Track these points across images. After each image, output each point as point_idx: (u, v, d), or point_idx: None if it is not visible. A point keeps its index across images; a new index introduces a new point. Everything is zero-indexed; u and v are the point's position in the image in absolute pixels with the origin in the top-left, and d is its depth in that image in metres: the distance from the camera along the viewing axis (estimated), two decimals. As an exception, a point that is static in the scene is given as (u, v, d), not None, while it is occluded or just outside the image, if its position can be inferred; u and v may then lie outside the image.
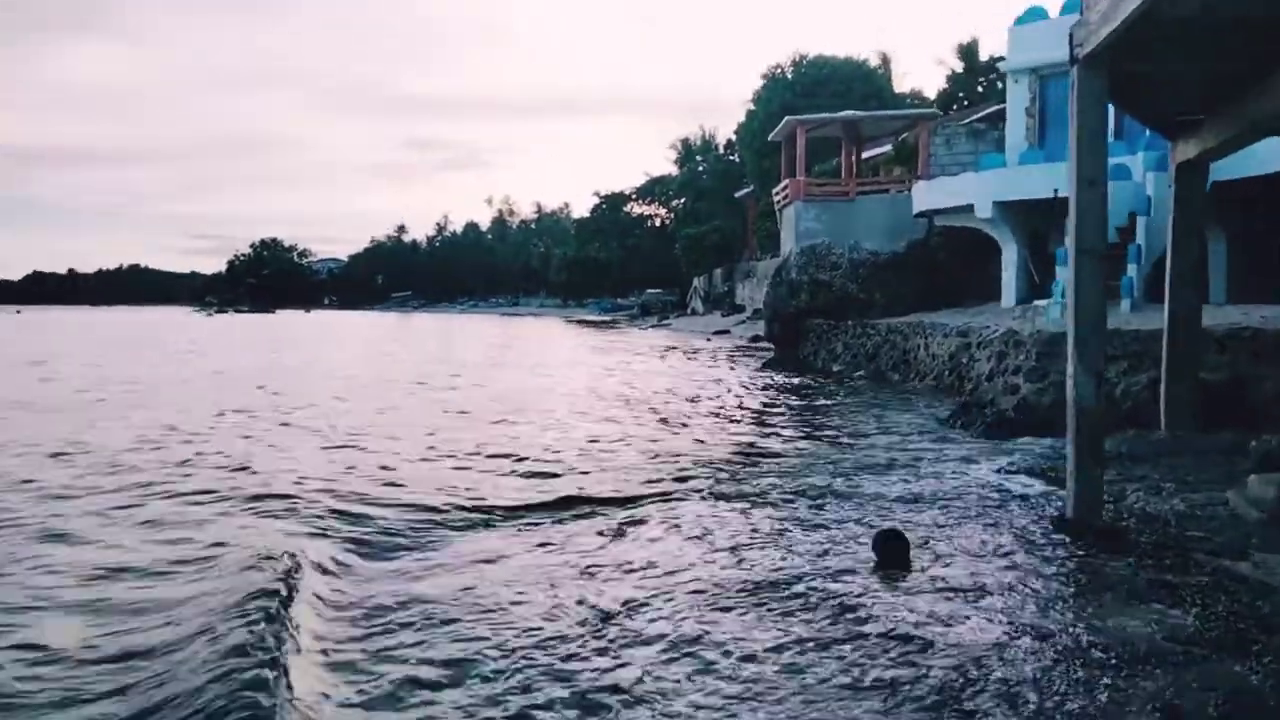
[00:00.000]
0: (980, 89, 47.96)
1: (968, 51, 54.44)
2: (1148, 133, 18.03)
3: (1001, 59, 21.43)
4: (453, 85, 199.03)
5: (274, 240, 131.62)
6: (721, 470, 7.99)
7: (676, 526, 5.93)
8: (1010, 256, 18.74)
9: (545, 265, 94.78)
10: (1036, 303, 12.31)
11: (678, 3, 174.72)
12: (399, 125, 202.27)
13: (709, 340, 32.23)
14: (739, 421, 11.31)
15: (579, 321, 60.06)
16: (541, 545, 5.61)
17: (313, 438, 10.30)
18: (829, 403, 13.03)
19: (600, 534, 5.83)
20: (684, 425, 11.00)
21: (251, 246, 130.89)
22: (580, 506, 6.62)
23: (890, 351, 16.23)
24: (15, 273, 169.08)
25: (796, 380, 16.86)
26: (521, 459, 8.69)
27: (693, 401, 13.57)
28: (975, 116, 26.88)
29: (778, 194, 24.54)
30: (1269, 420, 7.65)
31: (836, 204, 23.52)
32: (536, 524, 6.19)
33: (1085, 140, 5.04)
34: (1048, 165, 17.61)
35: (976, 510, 5.97)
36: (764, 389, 15.86)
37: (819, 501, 6.50)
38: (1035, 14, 18.97)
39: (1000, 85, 46.72)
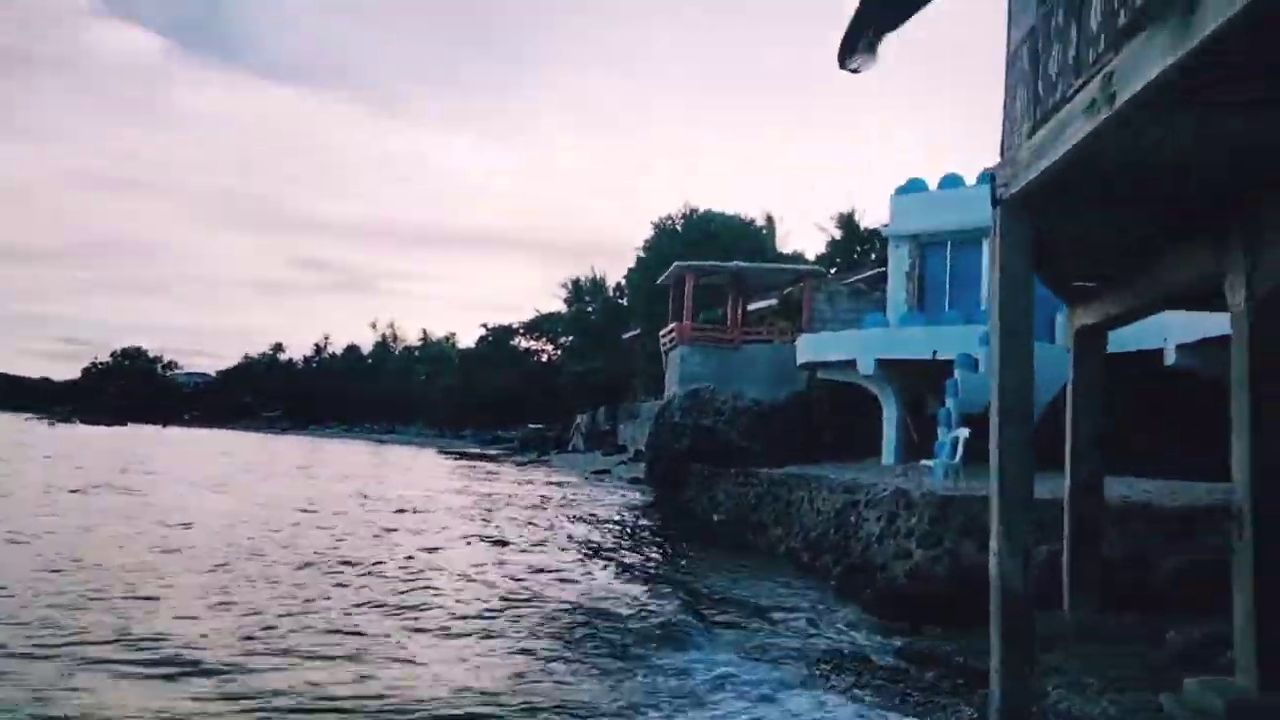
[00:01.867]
0: (856, 255, 50.69)
1: (847, 220, 58.05)
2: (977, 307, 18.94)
3: (880, 228, 22.40)
4: (343, 209, 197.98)
5: (137, 349, 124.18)
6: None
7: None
8: (891, 414, 18.81)
9: (427, 393, 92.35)
10: (922, 462, 12.02)
11: (571, 149, 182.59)
12: (285, 243, 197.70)
13: (587, 479, 31.10)
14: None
15: (455, 454, 57.75)
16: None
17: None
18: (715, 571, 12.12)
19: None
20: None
21: (112, 354, 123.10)
22: None
23: (772, 504, 15.60)
24: None
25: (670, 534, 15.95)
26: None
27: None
28: (857, 277, 27.96)
29: (664, 336, 24.41)
30: (1169, 601, 7.22)
31: (721, 350, 23.50)
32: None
33: (1008, 287, 4.57)
34: (928, 328, 18.03)
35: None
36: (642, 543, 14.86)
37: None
38: (915, 185, 19.93)
39: (874, 255, 49.75)
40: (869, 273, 27.30)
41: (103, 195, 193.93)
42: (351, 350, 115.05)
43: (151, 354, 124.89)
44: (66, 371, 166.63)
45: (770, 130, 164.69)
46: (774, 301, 28.61)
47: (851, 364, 18.83)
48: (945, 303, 19.42)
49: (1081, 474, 6.97)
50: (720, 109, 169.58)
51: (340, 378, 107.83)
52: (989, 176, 17.62)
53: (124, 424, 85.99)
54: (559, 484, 28.15)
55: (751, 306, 28.01)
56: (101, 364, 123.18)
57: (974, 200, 19.30)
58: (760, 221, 59.88)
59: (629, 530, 17.70)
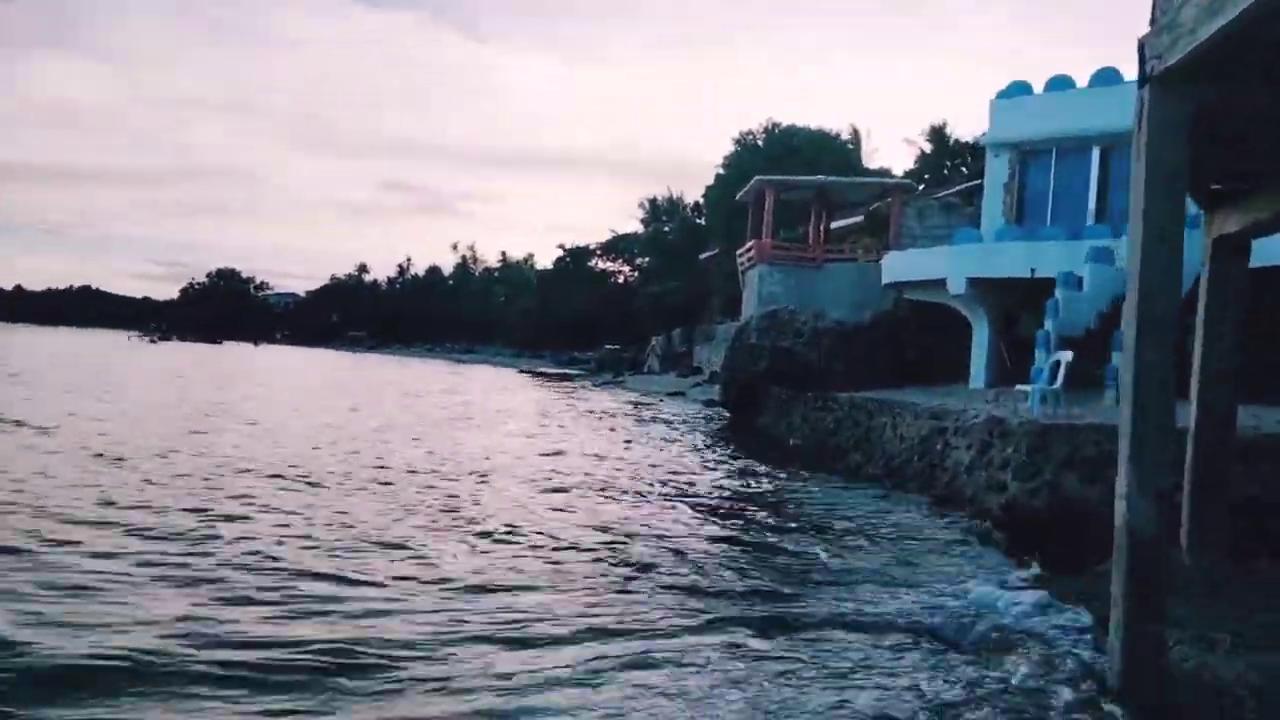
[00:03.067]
0: (946, 170, 48.18)
1: (937, 133, 55.03)
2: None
3: (978, 138, 20.85)
4: (426, 132, 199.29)
5: (231, 270, 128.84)
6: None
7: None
8: (982, 336, 17.78)
9: (505, 314, 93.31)
10: (1017, 387, 11.18)
11: (651, 68, 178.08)
12: (369, 166, 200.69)
13: (662, 401, 30.87)
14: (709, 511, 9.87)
15: (534, 373, 58.39)
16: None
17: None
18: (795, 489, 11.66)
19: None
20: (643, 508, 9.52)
21: (208, 275, 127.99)
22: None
23: (852, 428, 14.98)
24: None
25: (757, 467, 15.52)
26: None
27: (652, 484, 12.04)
28: (949, 191, 26.35)
29: (742, 255, 23.55)
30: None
31: (802, 270, 22.55)
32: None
33: (1157, 180, 3.80)
34: (1026, 244, 16.79)
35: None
36: (719, 464, 14.50)
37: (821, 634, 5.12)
38: (1018, 89, 18.37)
39: (966, 169, 47.08)
40: (962, 186, 25.68)
41: (196, 119, 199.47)
42: (433, 272, 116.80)
43: (244, 274, 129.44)
44: (161, 291, 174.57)
45: (857, 41, 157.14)
46: (859, 218, 27.29)
47: (941, 283, 17.78)
48: (1046, 217, 18.06)
49: (1211, 403, 6.16)
50: (805, 23, 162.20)
51: (422, 298, 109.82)
52: (1106, 74, 15.94)
53: (219, 342, 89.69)
54: (635, 404, 27.98)
55: (835, 224, 26.77)
56: (198, 284, 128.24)
57: (1085, 103, 17.71)
58: (845, 136, 57.39)
59: (707, 448, 17.38)
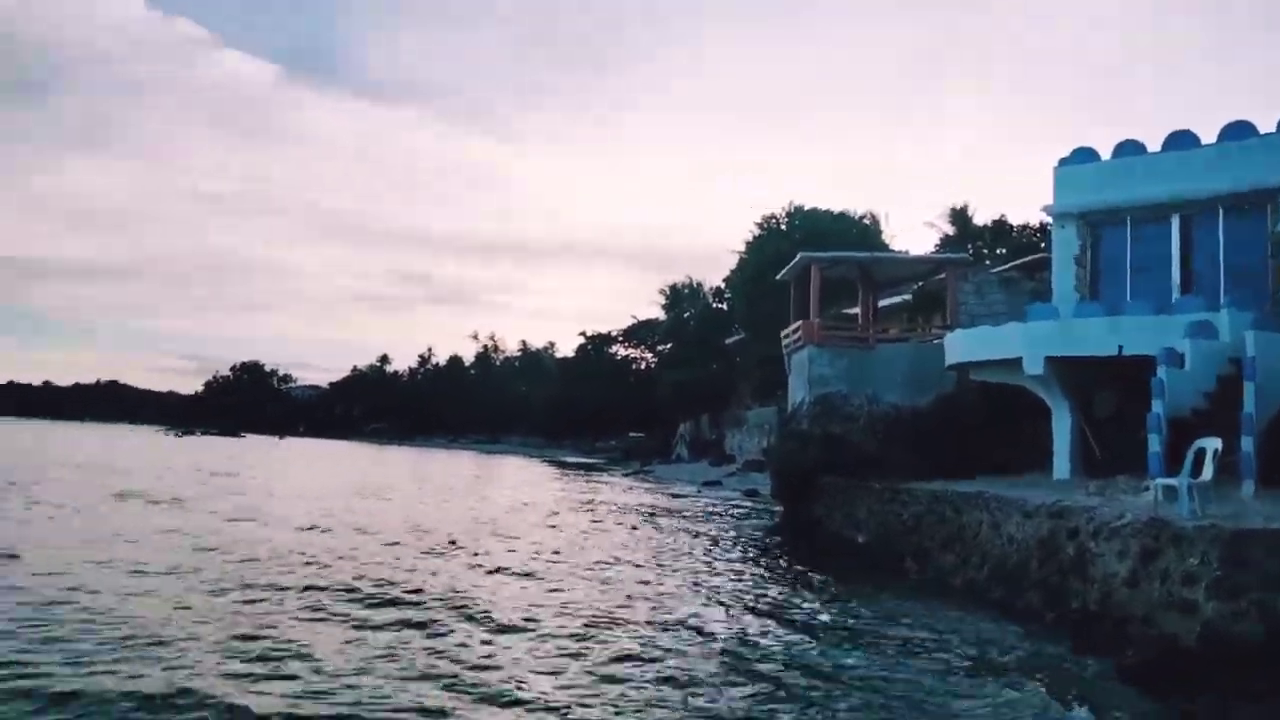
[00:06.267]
0: (969, 252, 47.44)
1: (960, 215, 54.47)
2: (1223, 282, 16.13)
3: (989, 225, 19.79)
4: (444, 224, 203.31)
5: (254, 364, 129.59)
6: None
7: None
8: (1063, 420, 16.25)
9: (527, 403, 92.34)
10: (1157, 481, 9.63)
11: (664, 160, 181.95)
12: (387, 258, 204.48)
13: (699, 493, 29.25)
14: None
15: (558, 463, 56.85)
16: None
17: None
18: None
19: None
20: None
21: (231, 369, 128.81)
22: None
23: (937, 526, 13.40)
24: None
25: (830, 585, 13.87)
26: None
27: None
28: (1006, 266, 25.17)
29: (788, 336, 22.32)
30: None
31: (853, 350, 21.24)
32: None
33: None
34: (1110, 319, 15.41)
35: None
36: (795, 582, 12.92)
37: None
38: (1084, 155, 17.35)
39: (990, 250, 46.12)
40: (1021, 260, 24.51)
41: (217, 215, 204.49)
42: (454, 361, 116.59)
43: (268, 367, 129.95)
44: (189, 385, 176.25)
45: (866, 130, 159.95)
46: (904, 296, 26.16)
47: (1014, 363, 16.35)
48: (1126, 290, 16.75)
49: None
50: (811, 112, 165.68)
51: (444, 388, 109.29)
52: (1182, 137, 14.77)
53: (241, 435, 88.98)
54: (671, 496, 26.39)
55: (881, 302, 25.62)
56: (222, 378, 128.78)
57: (1161, 168, 16.61)
58: (865, 220, 56.86)
59: (758, 549, 15.79)
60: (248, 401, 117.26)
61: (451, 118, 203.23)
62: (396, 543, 14.50)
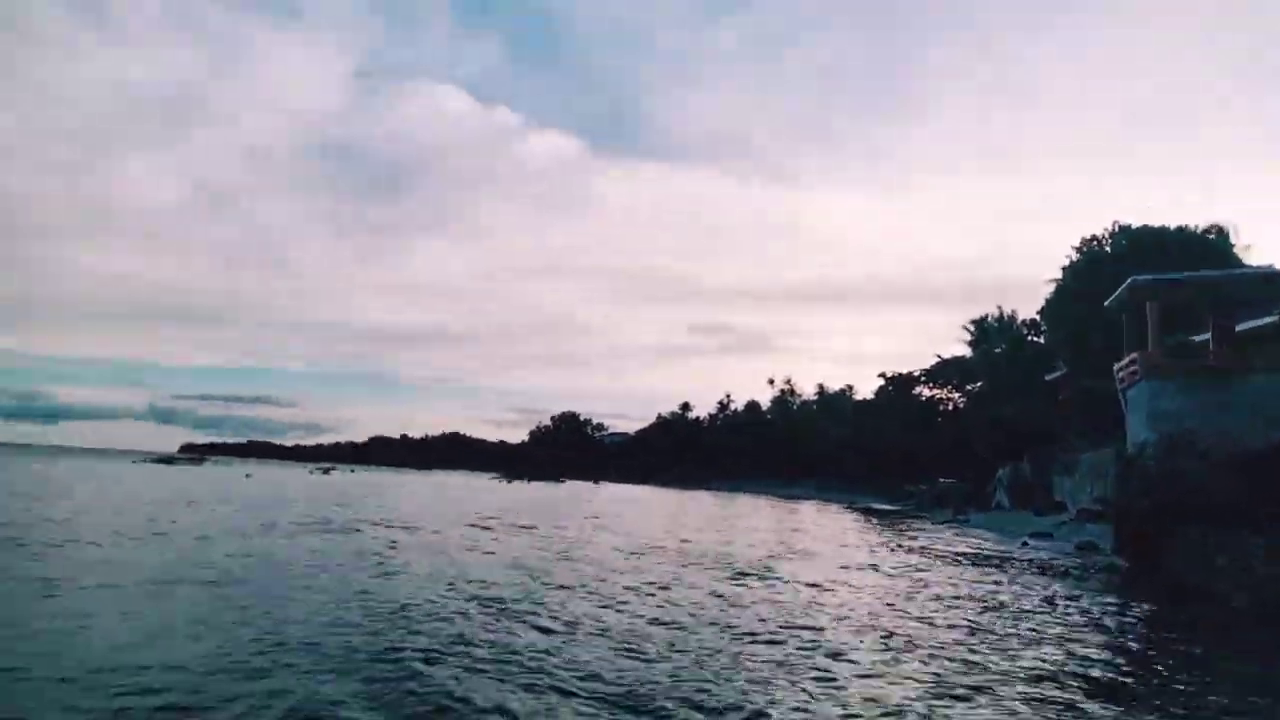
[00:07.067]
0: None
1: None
2: None
3: None
4: (739, 275, 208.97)
5: (572, 414, 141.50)
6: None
7: None
8: None
9: (825, 447, 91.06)
10: None
11: (956, 194, 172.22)
12: (688, 311, 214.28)
13: (1026, 547, 26.85)
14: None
15: (862, 510, 55.22)
16: None
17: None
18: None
19: None
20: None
21: (551, 419, 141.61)
22: None
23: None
24: (360, 435, 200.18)
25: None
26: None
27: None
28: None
29: (1121, 370, 20.17)
30: None
31: (1202, 384, 18.72)
32: None
33: None
34: None
35: None
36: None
37: None
38: None
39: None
40: None
41: (536, 281, 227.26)
42: (752, 407, 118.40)
43: (583, 417, 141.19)
44: (516, 434, 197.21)
45: (1204, 139, 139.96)
46: (1268, 318, 22.47)
47: None
48: None
49: None
50: (1118, 129, 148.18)
51: (741, 433, 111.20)
52: None
53: (561, 481, 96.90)
54: (1001, 556, 24.06)
55: (1240, 326, 22.24)
56: (544, 427, 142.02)
57: None
58: (1210, 234, 49.61)
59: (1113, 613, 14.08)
60: (568, 448, 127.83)
61: (743, 172, 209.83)
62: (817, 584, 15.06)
